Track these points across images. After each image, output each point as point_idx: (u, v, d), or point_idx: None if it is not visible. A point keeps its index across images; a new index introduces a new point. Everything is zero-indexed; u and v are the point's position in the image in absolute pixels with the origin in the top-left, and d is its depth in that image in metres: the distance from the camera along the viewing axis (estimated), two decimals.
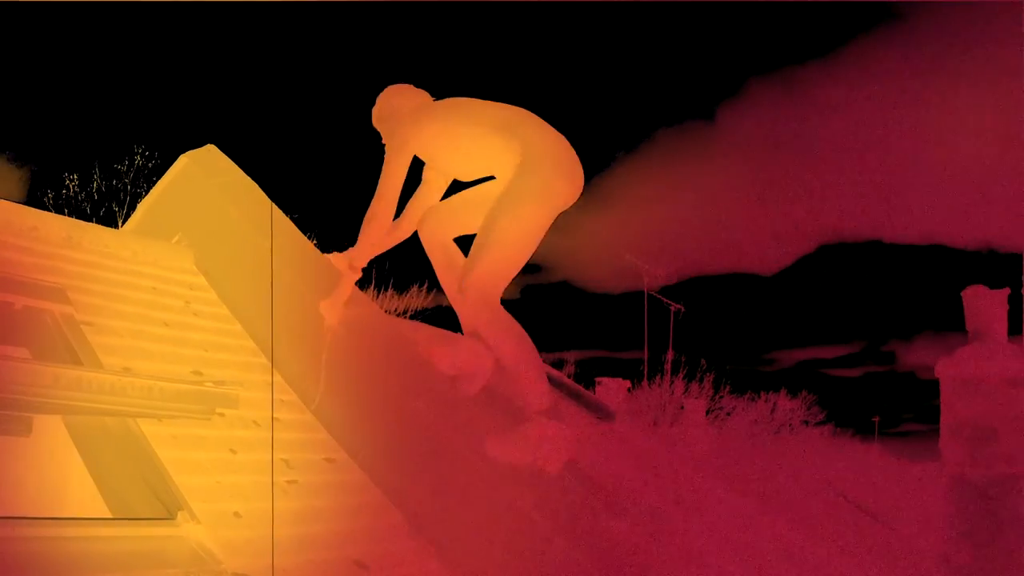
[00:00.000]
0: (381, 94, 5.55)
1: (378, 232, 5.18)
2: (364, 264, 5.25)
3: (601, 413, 7.87)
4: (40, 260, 4.98)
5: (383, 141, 5.36)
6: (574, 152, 4.94)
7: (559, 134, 4.96)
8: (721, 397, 20.35)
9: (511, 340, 4.85)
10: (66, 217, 5.57)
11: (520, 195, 4.76)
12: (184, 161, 6.21)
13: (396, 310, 17.18)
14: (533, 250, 4.90)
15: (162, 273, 5.70)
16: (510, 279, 4.93)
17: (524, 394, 4.82)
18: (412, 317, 16.44)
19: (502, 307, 4.90)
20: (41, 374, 3.43)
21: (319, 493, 4.58)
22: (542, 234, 4.91)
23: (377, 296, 17.98)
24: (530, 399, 4.79)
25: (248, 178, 6.26)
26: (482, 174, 5.22)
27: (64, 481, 4.22)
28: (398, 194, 5.17)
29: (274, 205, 6.26)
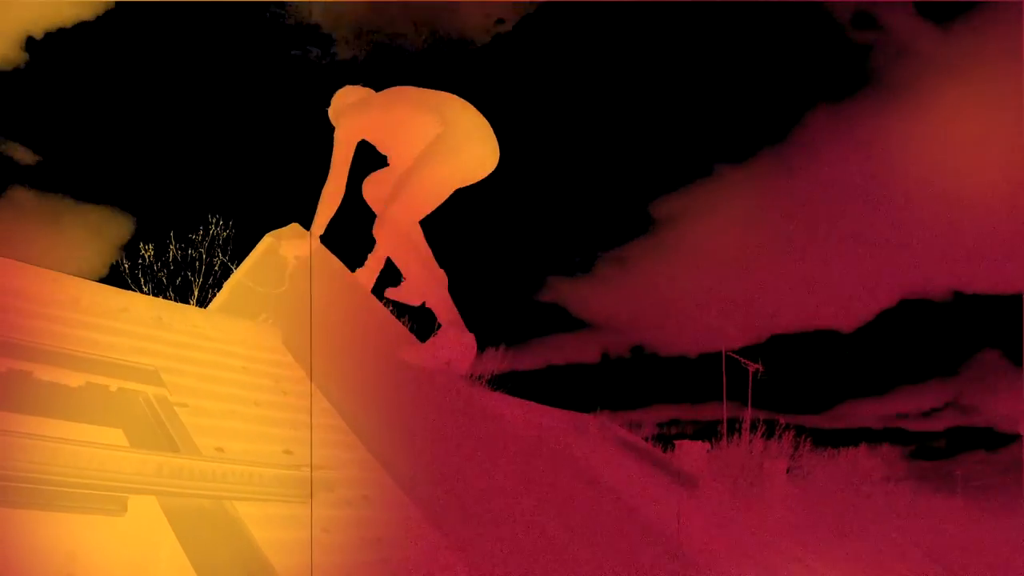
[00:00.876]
0: (334, 95, 6.39)
1: (331, 207, 6.10)
2: (322, 232, 6.18)
3: (682, 479, 7.76)
4: (132, 342, 5.01)
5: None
6: (490, 128, 5.92)
7: (478, 113, 5.90)
8: (801, 455, 19.87)
9: (416, 262, 5.96)
10: (155, 298, 5.61)
11: (436, 152, 5.74)
12: (268, 240, 6.26)
13: (473, 374, 17.00)
14: (442, 199, 6.00)
15: (251, 352, 5.70)
16: (419, 216, 6.05)
17: (432, 307, 5.89)
18: (489, 381, 16.37)
19: (413, 237, 6.04)
20: (144, 462, 3.41)
21: (412, 569, 4.49)
22: (450, 187, 5.96)
23: None
24: (438, 312, 5.84)
25: (332, 255, 6.30)
26: (413, 150, 5.94)
27: (158, 561, 4.18)
28: (345, 175, 6.10)
29: (358, 281, 6.29)
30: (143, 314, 5.36)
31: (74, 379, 4.41)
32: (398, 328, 6.11)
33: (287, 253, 6.19)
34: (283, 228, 6.30)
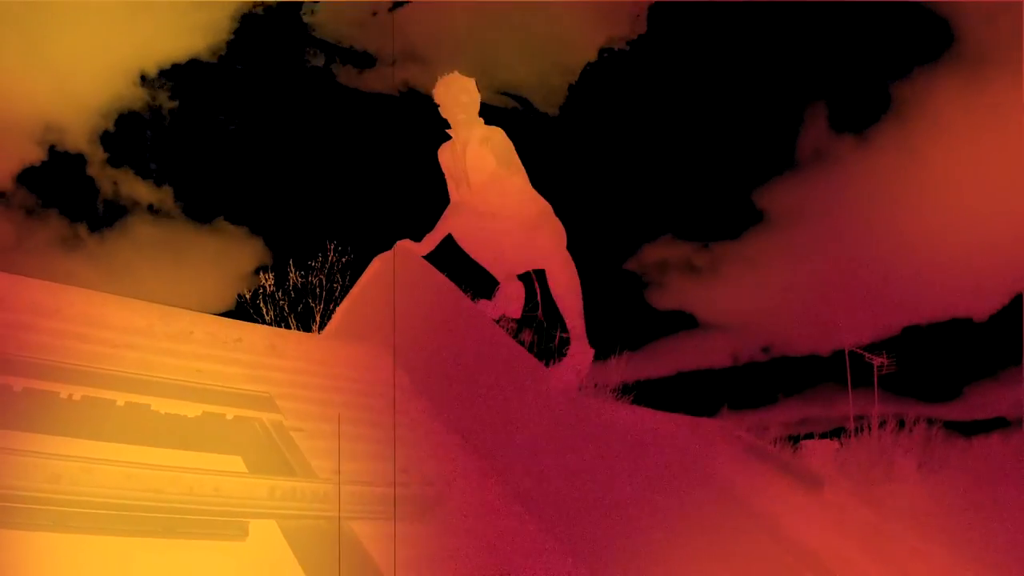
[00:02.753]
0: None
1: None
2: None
3: (809, 481, 7.52)
4: (247, 370, 5.07)
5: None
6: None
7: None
8: (932, 448, 19.04)
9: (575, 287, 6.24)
10: (269, 327, 5.71)
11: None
12: (377, 264, 6.29)
13: (596, 383, 16.86)
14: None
15: (365, 375, 5.72)
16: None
17: (567, 314, 6.20)
18: (613, 391, 16.14)
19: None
20: (256, 486, 3.41)
21: None
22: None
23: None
24: (572, 321, 6.17)
25: (441, 275, 6.28)
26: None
27: None
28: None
29: (469, 300, 6.26)
30: (257, 343, 5.43)
31: (191, 409, 4.47)
32: (512, 347, 6.05)
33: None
34: (390, 250, 6.32)
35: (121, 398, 4.30)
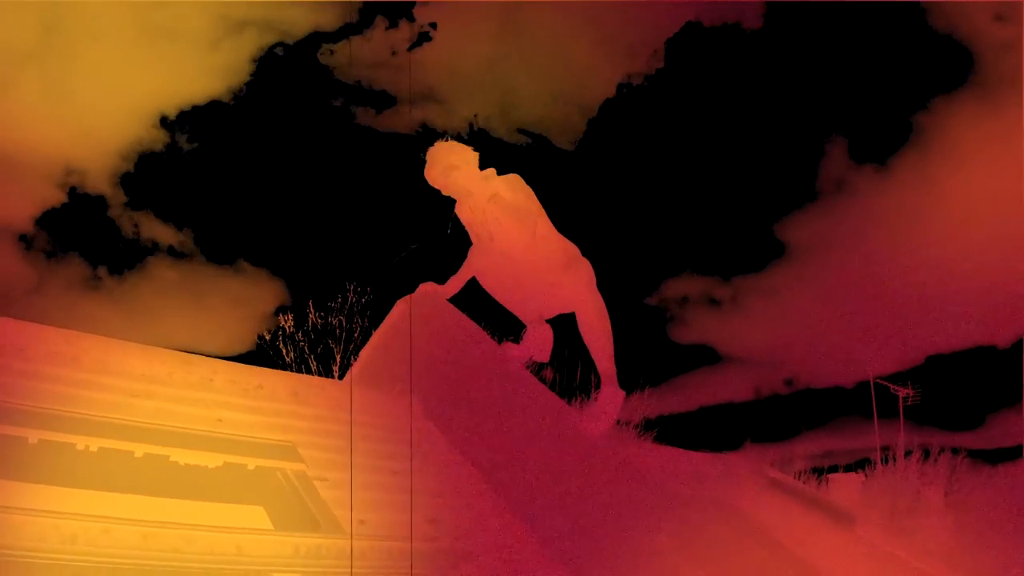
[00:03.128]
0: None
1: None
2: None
3: (837, 516, 7.40)
4: (269, 418, 4.93)
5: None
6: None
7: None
8: (958, 478, 18.73)
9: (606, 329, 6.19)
10: (291, 373, 5.56)
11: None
12: (400, 306, 6.16)
13: (619, 420, 16.58)
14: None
15: (389, 422, 5.57)
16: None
17: (598, 357, 6.14)
18: (636, 427, 15.94)
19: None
20: (282, 544, 3.27)
21: None
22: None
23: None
24: (603, 363, 6.11)
25: (466, 317, 6.14)
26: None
27: None
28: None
29: (494, 343, 6.12)
30: (279, 389, 5.30)
31: (212, 459, 4.33)
32: (541, 391, 5.89)
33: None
34: (413, 293, 6.19)
35: (139, 449, 4.17)
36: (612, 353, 6.06)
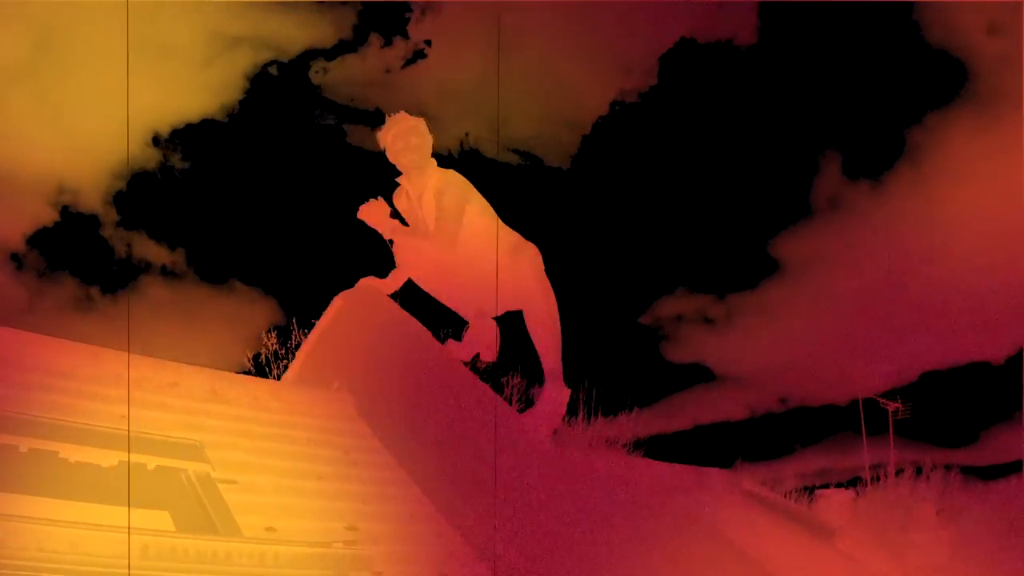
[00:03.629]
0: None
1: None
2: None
3: (817, 530, 7.17)
4: (180, 416, 4.61)
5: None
6: None
7: None
8: (950, 494, 18.43)
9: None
10: (211, 370, 5.22)
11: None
12: (339, 302, 5.85)
13: (608, 439, 16.32)
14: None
15: (319, 423, 5.25)
16: None
17: (544, 353, 5.86)
18: (625, 445, 15.68)
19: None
20: (174, 548, 2.94)
21: None
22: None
23: (589, 422, 17.16)
24: (548, 359, 5.82)
25: (407, 314, 5.82)
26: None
27: None
28: None
29: (436, 341, 5.80)
30: (196, 387, 4.97)
31: (106, 458, 4.00)
32: (484, 393, 5.57)
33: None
34: (352, 288, 5.88)
35: (24, 444, 3.84)
36: (559, 346, 5.75)
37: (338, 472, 4.88)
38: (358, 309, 5.81)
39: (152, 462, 4.12)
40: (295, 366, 6.02)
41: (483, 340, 5.94)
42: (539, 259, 5.87)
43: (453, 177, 5.77)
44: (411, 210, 5.85)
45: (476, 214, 5.76)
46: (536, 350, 5.82)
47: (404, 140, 5.80)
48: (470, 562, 4.63)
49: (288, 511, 4.32)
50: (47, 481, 3.87)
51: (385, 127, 5.89)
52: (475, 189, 5.84)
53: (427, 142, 5.90)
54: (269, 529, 4.10)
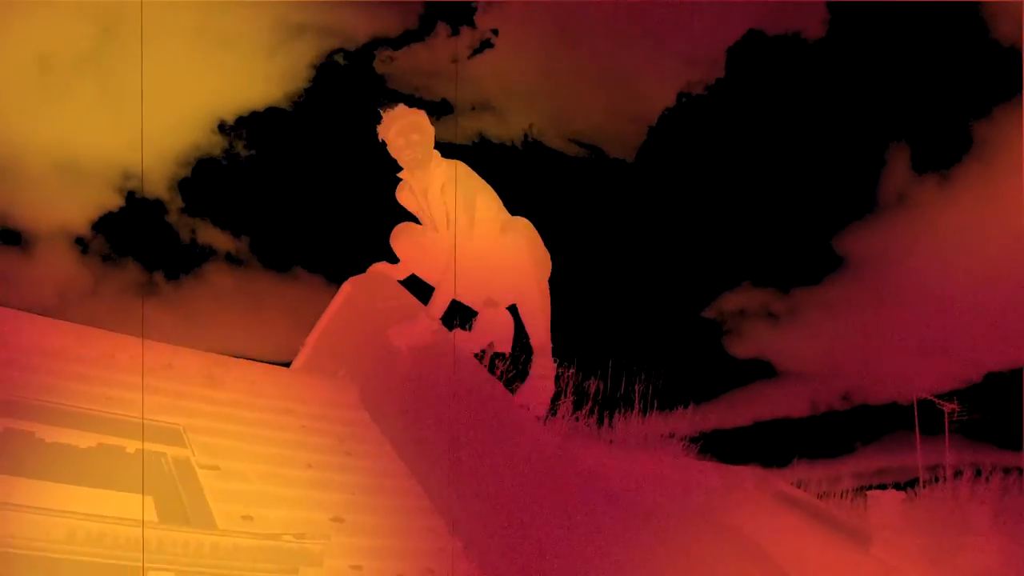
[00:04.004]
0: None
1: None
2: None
3: (854, 534, 6.90)
4: (169, 400, 4.53)
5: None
6: None
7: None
8: (1010, 497, 17.81)
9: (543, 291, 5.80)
10: (209, 353, 5.15)
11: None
12: (348, 288, 5.75)
13: (663, 433, 16.08)
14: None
15: (315, 410, 5.15)
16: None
17: (533, 330, 5.70)
18: (680, 439, 15.49)
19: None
20: (57, 527, 2.85)
21: None
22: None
23: (646, 415, 16.91)
24: (538, 336, 5.69)
25: (417, 300, 5.69)
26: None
27: None
28: None
29: (447, 330, 5.67)
30: (191, 371, 4.90)
31: (83, 439, 3.94)
32: (490, 384, 5.42)
33: (399, 343, 5.53)
34: (362, 274, 5.78)
35: (1, 424, 3.80)
36: (548, 320, 5.65)
37: (330, 461, 4.78)
38: (367, 295, 5.70)
39: (131, 445, 4.06)
40: (303, 352, 5.93)
41: (495, 329, 5.79)
42: (532, 229, 5.68)
43: (459, 169, 5.60)
44: (418, 208, 5.71)
45: (484, 205, 5.61)
46: (523, 322, 5.66)
47: (406, 137, 5.64)
48: (459, 559, 4.51)
49: (270, 499, 4.23)
50: (24, 462, 3.84)
51: (385, 122, 5.70)
52: (480, 179, 5.68)
53: (429, 136, 5.72)
54: (246, 518, 4.01)
